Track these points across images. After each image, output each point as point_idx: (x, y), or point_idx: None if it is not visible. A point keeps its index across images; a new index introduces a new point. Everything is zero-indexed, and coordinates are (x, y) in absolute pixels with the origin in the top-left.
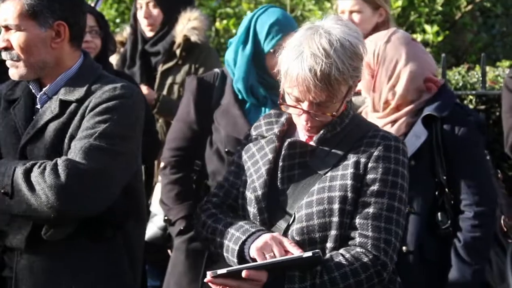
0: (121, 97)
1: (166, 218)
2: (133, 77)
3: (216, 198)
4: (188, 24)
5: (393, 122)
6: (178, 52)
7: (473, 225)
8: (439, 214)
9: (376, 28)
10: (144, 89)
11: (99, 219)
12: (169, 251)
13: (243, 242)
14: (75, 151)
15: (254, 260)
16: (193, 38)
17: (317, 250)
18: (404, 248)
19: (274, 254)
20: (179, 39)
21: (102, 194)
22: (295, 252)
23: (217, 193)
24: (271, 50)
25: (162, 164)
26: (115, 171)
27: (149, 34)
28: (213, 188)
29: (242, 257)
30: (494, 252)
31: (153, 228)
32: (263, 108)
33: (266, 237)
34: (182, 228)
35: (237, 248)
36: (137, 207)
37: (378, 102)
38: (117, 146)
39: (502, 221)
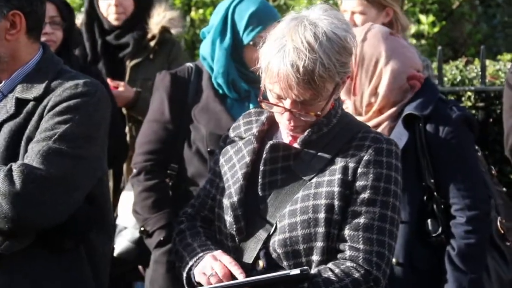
0: (84, 95)
1: (142, 229)
2: (100, 73)
3: (191, 209)
4: (166, 16)
5: (376, 127)
6: (151, 45)
7: (466, 231)
8: (429, 221)
9: None
10: (121, 85)
11: (59, 229)
12: (140, 267)
13: (190, 268)
14: (32, 155)
15: (199, 284)
16: (174, 30)
17: (305, 267)
18: (393, 260)
19: (216, 273)
20: (154, 31)
21: (63, 203)
22: (235, 271)
23: (193, 204)
24: (251, 43)
25: (134, 171)
26: (77, 176)
27: (115, 23)
28: (195, 193)
29: (191, 283)
30: (491, 257)
31: (123, 242)
32: (246, 103)
33: (206, 258)
34: (161, 239)
35: (185, 274)
36: (102, 215)
37: (360, 105)
38: (79, 149)
39: (498, 223)
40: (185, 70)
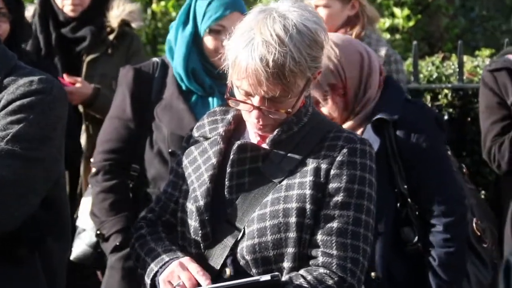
0: (39, 93)
1: (98, 232)
2: (55, 68)
3: (152, 213)
4: (125, 9)
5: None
6: (110, 39)
7: (445, 239)
8: (404, 229)
9: (348, 22)
10: (78, 81)
11: (13, 236)
12: (98, 273)
13: (155, 275)
14: None
15: None
16: (134, 24)
17: (276, 273)
18: (372, 274)
19: (183, 283)
20: (113, 25)
21: (16, 207)
22: (203, 281)
23: (153, 208)
24: (207, 30)
25: (93, 170)
26: (31, 180)
27: (70, 14)
28: (154, 196)
29: None
30: (470, 261)
31: (81, 246)
32: (210, 100)
33: (173, 265)
34: (117, 243)
35: (149, 281)
36: (58, 220)
37: (348, 117)
38: (34, 151)
39: (474, 225)
40: (150, 65)
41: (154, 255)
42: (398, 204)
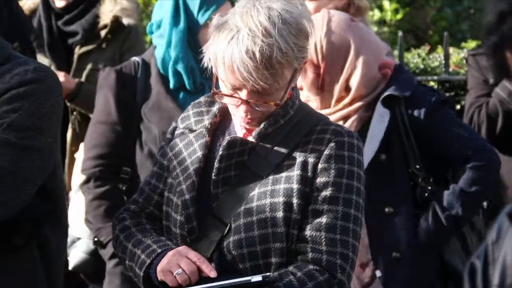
0: (34, 82)
1: (96, 239)
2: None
3: (135, 205)
4: (117, 4)
5: (345, 118)
6: (103, 34)
7: (472, 178)
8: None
9: None
10: (61, 75)
11: (9, 225)
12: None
13: (148, 266)
14: None
15: (163, 284)
16: (126, 21)
17: (267, 274)
18: (393, 254)
19: (184, 270)
20: (105, 20)
21: (12, 197)
22: (206, 268)
23: (136, 200)
24: (208, 22)
25: (83, 177)
26: (27, 169)
27: (59, 4)
28: None
29: (150, 283)
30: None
31: (79, 254)
32: (199, 97)
33: (170, 254)
34: None
35: (141, 274)
36: (55, 210)
37: (330, 100)
38: (29, 140)
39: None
40: (131, 65)
41: (144, 247)
42: (412, 183)
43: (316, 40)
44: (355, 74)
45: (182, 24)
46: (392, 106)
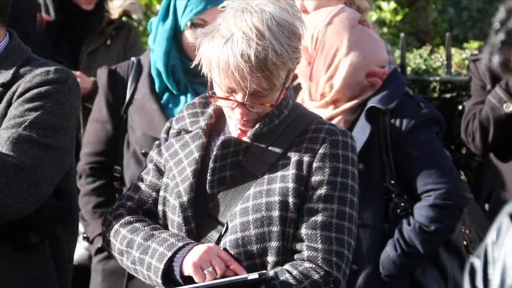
0: (55, 82)
1: (84, 235)
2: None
3: (131, 202)
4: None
5: (329, 120)
6: (109, 30)
7: (430, 216)
8: (385, 225)
9: None
10: (77, 74)
11: (23, 222)
12: None
13: (170, 259)
14: (1, 142)
15: (188, 278)
16: (135, 14)
17: (264, 271)
18: (353, 266)
19: (214, 270)
20: (114, 15)
21: (32, 193)
22: (237, 267)
23: (132, 196)
24: (188, 23)
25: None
26: (46, 167)
27: (87, 7)
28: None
29: (168, 276)
30: (457, 265)
31: (79, 250)
32: (182, 98)
33: (201, 249)
34: (99, 245)
35: (161, 266)
36: (68, 211)
37: (315, 92)
38: (49, 138)
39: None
40: (126, 65)
41: (160, 240)
42: (386, 197)
43: (315, 30)
44: (338, 74)
45: (169, 22)
46: (376, 117)
